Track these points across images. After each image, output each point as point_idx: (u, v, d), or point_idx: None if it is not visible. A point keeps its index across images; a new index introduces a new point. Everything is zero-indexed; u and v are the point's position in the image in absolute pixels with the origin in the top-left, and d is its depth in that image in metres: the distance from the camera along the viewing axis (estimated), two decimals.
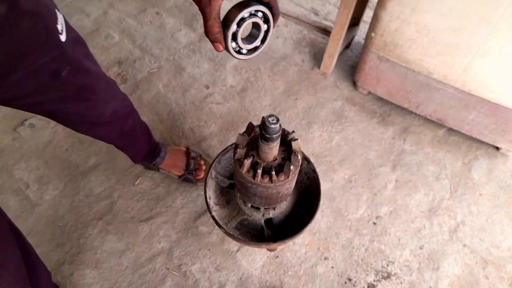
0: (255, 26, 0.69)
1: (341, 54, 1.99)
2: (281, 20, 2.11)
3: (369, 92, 1.85)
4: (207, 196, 1.17)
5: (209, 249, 1.39)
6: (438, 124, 1.75)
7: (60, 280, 1.32)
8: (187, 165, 1.50)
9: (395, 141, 1.71)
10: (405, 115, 1.79)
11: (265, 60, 1.96)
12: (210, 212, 1.13)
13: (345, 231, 1.47)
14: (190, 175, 1.49)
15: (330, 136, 1.71)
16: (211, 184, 1.21)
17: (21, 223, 1.42)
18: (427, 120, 1.76)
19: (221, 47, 0.62)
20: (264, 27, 0.69)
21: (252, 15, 0.65)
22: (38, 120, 1.70)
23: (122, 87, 1.83)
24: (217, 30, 0.59)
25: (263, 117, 0.96)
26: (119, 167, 1.58)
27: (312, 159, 1.61)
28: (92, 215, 1.46)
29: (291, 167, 0.94)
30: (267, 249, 1.34)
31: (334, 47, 1.80)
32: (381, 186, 1.58)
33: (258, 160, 0.99)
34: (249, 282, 1.34)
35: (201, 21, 2.10)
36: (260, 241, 1.16)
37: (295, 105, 1.80)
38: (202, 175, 1.51)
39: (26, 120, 1.70)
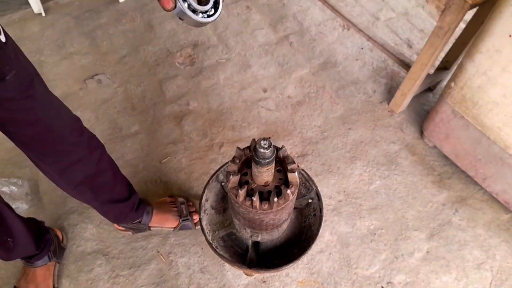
0: None
1: (419, 95, 1.79)
2: (367, 43, 1.97)
3: (435, 146, 1.63)
4: (204, 198, 1.14)
5: (202, 248, 1.37)
6: (504, 207, 1.48)
7: (65, 226, 1.41)
8: (179, 212, 1.37)
9: (445, 208, 1.49)
10: (467, 183, 1.55)
11: (334, 79, 1.85)
12: (199, 214, 1.10)
13: (347, 284, 1.32)
14: (186, 222, 1.37)
15: (371, 179, 1.55)
16: (214, 186, 1.18)
17: None
18: (492, 198, 1.50)
19: (170, 4, 0.60)
20: None
21: None
22: (106, 77, 1.84)
23: (186, 69, 1.88)
24: None
25: (254, 139, 0.90)
26: (156, 142, 1.64)
27: (341, 197, 1.49)
28: None
29: (275, 199, 0.86)
30: (244, 272, 1.27)
31: (408, 86, 1.62)
32: (407, 251, 1.39)
33: (250, 180, 0.92)
34: None
35: (286, 24, 2.06)
36: (241, 261, 1.10)
37: (346, 134, 1.67)
38: (198, 217, 1.32)
39: (96, 74, 1.85)
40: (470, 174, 1.52)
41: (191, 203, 1.42)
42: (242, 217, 0.97)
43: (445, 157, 1.60)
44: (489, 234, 1.43)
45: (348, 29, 2.07)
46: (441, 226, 1.45)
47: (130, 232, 1.36)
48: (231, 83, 1.83)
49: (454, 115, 1.44)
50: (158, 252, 1.36)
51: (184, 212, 1.37)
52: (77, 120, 1.01)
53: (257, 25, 2.08)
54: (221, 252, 1.09)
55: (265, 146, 0.79)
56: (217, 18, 0.67)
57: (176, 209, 1.38)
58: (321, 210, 1.11)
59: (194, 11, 0.64)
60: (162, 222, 1.35)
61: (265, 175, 0.87)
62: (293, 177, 0.89)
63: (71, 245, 1.37)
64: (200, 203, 1.12)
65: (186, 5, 0.63)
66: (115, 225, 1.35)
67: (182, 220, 1.36)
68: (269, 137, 0.82)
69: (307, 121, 1.71)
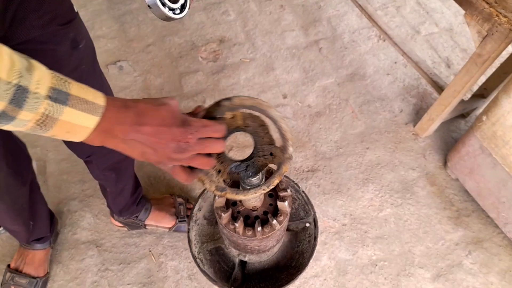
0: None
1: (449, 121, 1.66)
2: (401, 57, 1.85)
3: (457, 179, 1.51)
4: (197, 207, 1.10)
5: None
6: None
7: (65, 211, 1.42)
8: (176, 212, 1.35)
9: (457, 248, 1.38)
10: (487, 225, 1.42)
11: (360, 93, 1.75)
12: (188, 224, 1.07)
13: None
14: (182, 224, 1.34)
15: (381, 206, 1.46)
16: (210, 196, 1.14)
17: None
18: (511, 245, 1.37)
19: None
20: None
21: None
22: (128, 65, 1.83)
23: (208, 65, 1.84)
24: None
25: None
26: None
27: (346, 220, 1.41)
28: None
29: (259, 229, 0.80)
30: None
31: (437, 111, 1.50)
32: None
33: (239, 202, 0.87)
34: None
35: (318, 28, 1.97)
36: (226, 278, 1.06)
37: (363, 153, 1.58)
38: None
39: (119, 61, 1.84)
40: (491, 215, 1.40)
41: (190, 206, 1.39)
42: (227, 237, 0.92)
43: (467, 193, 1.48)
44: (502, 284, 1.31)
45: (384, 40, 1.95)
46: (450, 267, 1.35)
47: (125, 228, 1.35)
48: (251, 85, 1.78)
49: (481, 151, 1.32)
50: (150, 251, 1.35)
51: (182, 213, 1.35)
52: None
53: (288, 26, 2.00)
54: (206, 266, 1.06)
55: (250, 174, 0.74)
56: (183, 17, 0.71)
57: (174, 209, 1.36)
58: (315, 238, 1.04)
59: (164, 4, 0.66)
60: (159, 220, 1.34)
61: (252, 201, 0.82)
62: (283, 206, 0.83)
63: (67, 232, 1.38)
64: (191, 212, 1.09)
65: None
66: (112, 219, 1.35)
67: (179, 221, 1.34)
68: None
69: (323, 134, 1.63)
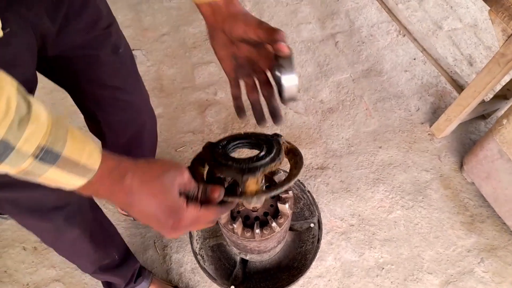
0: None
1: (468, 122, 1.60)
2: (421, 55, 1.78)
3: (473, 183, 1.45)
4: None
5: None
6: None
7: None
8: None
9: (469, 255, 1.33)
10: (502, 232, 1.37)
11: (375, 89, 1.70)
12: None
13: None
14: None
15: (391, 207, 1.42)
16: None
17: None
18: None
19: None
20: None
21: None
22: (142, 54, 1.83)
23: None
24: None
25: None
26: (176, 128, 1.61)
27: (354, 221, 1.38)
28: None
29: (257, 231, 0.79)
30: None
31: (456, 112, 1.44)
32: None
33: (239, 202, 0.86)
34: None
35: (335, 21, 1.91)
36: (226, 275, 1.06)
37: (375, 152, 1.54)
38: None
39: (133, 50, 1.83)
40: (507, 223, 1.34)
41: None
42: (226, 236, 0.91)
43: (482, 198, 1.42)
44: None
45: (404, 36, 1.88)
46: (460, 274, 1.30)
47: (132, 218, 1.36)
48: None
49: (500, 156, 1.26)
50: (154, 243, 1.35)
51: None
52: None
53: (305, 19, 1.95)
54: (207, 263, 1.05)
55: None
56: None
57: None
58: (319, 240, 1.02)
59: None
60: None
61: (252, 203, 0.80)
62: (284, 208, 0.81)
63: None
64: None
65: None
66: (118, 208, 1.35)
67: None
68: None
69: (335, 131, 1.59)
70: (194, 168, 0.64)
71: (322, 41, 1.86)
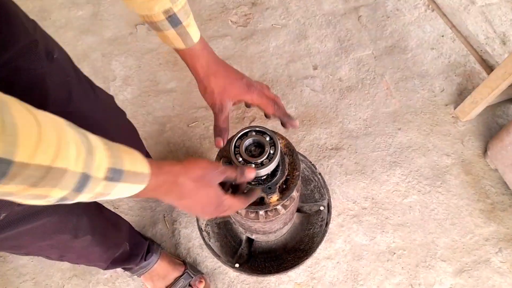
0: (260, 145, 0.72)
1: (496, 105, 1.50)
2: (450, 32, 1.67)
3: (497, 170, 1.38)
4: None
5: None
6: None
7: None
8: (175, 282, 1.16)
9: (487, 244, 1.28)
10: None
11: (398, 68, 1.61)
12: None
13: None
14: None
15: (407, 192, 1.37)
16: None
17: None
18: None
19: (221, 143, 0.70)
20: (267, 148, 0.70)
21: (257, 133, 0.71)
22: None
23: (238, 30, 1.75)
24: (223, 127, 0.71)
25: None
26: (188, 103, 1.58)
27: (367, 204, 1.34)
28: (141, 133, 1.52)
29: (261, 212, 0.76)
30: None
31: (483, 94, 1.35)
32: (426, 282, 1.23)
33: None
34: (221, 278, 1.25)
35: None
36: (231, 253, 1.05)
37: (394, 134, 1.47)
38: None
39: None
40: None
41: (202, 281, 1.18)
42: (232, 216, 0.89)
43: (505, 186, 1.35)
44: None
45: (432, 10, 1.76)
46: (475, 263, 1.25)
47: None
48: (281, 53, 1.68)
49: None
50: (164, 217, 1.36)
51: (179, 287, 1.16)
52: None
53: None
54: (212, 239, 1.04)
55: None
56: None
57: (177, 277, 1.17)
58: (327, 224, 0.99)
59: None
60: (156, 280, 1.16)
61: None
62: (271, 199, 0.78)
63: None
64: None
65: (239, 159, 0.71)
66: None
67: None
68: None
69: (352, 110, 1.53)
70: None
71: (344, 15, 1.77)
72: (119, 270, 1.27)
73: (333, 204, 1.35)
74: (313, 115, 1.52)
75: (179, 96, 1.60)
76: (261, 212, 0.76)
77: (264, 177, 0.72)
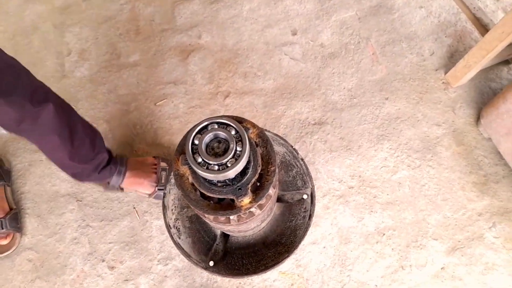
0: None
1: (489, 68, 1.39)
2: None
3: (490, 139, 1.29)
4: None
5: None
6: None
7: (44, 160, 1.30)
8: (157, 179, 1.17)
9: (480, 219, 1.21)
10: None
11: (384, 30, 1.47)
12: (165, 188, 0.92)
13: (336, 286, 1.15)
14: (161, 191, 1.15)
15: (396, 167, 1.27)
16: None
17: None
18: None
19: None
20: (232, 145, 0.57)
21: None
22: None
23: None
24: None
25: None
26: (155, 78, 1.42)
27: (354, 182, 1.24)
28: (102, 114, 1.36)
29: (232, 217, 0.64)
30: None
31: (477, 57, 1.23)
32: (418, 263, 1.16)
33: None
34: (199, 272, 1.15)
35: None
36: (205, 250, 0.94)
37: (381, 105, 1.36)
38: None
39: None
40: None
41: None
42: (201, 216, 0.77)
43: (499, 155, 1.27)
44: None
45: None
46: (468, 240, 1.19)
47: (101, 188, 1.22)
48: (256, 17, 1.51)
49: None
50: (134, 208, 1.23)
51: (163, 181, 1.17)
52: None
53: None
54: (183, 235, 0.93)
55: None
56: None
57: (155, 174, 1.18)
58: (310, 217, 0.88)
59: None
60: (136, 186, 1.17)
61: None
62: (242, 203, 0.66)
63: (46, 183, 1.27)
64: (169, 175, 0.93)
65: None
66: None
67: (158, 189, 1.16)
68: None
69: (336, 80, 1.40)
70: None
71: None
72: (86, 269, 1.16)
73: (317, 184, 1.25)
74: (294, 86, 1.39)
75: (144, 70, 1.43)
76: (233, 217, 0.64)
77: (233, 177, 0.59)
